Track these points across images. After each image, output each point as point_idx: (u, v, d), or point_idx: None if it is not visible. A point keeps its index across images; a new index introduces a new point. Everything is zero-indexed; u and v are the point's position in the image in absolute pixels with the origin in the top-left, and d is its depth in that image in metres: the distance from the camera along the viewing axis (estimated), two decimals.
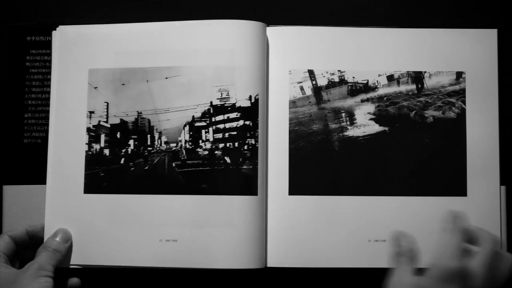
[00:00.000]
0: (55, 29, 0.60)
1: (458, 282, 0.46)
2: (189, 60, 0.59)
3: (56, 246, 0.55)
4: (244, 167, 0.58)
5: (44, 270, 0.52)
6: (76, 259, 0.57)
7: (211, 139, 0.59)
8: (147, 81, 0.59)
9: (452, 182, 0.60)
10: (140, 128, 0.60)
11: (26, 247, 0.57)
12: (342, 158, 0.60)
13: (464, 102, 0.60)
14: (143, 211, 0.58)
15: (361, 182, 0.59)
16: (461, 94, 0.61)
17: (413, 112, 0.61)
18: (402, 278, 0.48)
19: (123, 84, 0.60)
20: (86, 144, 0.59)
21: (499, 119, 0.60)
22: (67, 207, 0.58)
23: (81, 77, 0.60)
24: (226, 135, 0.59)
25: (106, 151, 0.60)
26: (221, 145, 0.59)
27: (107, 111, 0.60)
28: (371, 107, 0.61)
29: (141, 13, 0.66)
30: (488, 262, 0.47)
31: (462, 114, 0.60)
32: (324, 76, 0.61)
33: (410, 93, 0.61)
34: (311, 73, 0.61)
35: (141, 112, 0.60)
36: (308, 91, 0.61)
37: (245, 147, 0.58)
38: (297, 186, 0.59)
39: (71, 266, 0.57)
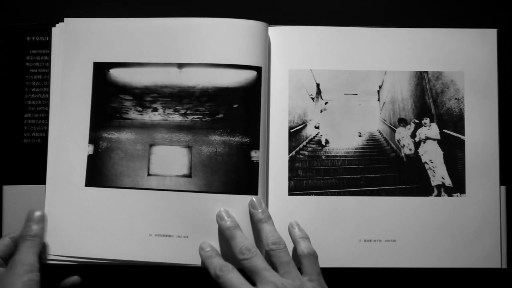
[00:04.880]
0: (55, 26, 0.61)
1: None
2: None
3: (34, 231, 0.55)
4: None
5: (28, 265, 0.51)
6: (76, 253, 0.57)
7: None
8: None
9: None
10: None
11: None
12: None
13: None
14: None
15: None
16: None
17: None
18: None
19: None
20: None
21: (499, 119, 0.60)
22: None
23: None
24: None
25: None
26: None
27: None
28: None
29: (143, 10, 0.66)
30: None
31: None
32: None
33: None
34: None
35: None
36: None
37: None
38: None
39: (73, 260, 0.57)
